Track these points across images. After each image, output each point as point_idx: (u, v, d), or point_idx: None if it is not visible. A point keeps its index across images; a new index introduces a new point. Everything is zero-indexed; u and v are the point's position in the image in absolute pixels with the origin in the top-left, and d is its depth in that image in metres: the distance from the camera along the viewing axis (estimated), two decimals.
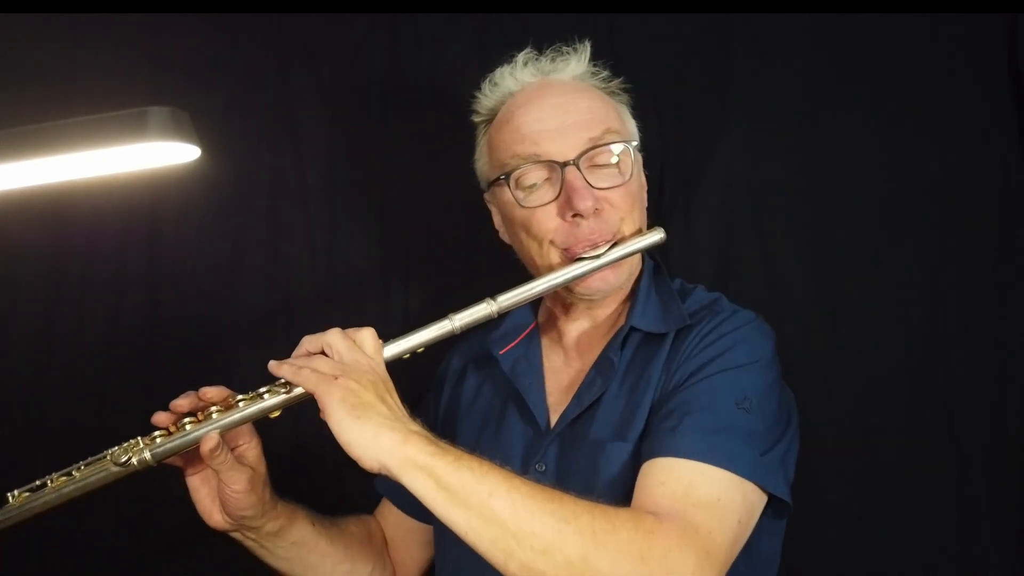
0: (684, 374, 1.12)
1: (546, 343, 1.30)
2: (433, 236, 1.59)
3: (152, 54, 1.69)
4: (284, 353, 1.13)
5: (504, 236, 1.30)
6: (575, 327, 1.27)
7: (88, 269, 1.68)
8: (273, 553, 1.21)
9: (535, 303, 1.31)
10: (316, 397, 0.99)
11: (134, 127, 0.99)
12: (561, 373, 1.26)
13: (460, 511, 0.92)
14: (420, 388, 1.42)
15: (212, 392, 1.09)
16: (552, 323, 1.30)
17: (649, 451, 1.06)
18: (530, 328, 1.31)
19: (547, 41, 1.38)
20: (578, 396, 1.20)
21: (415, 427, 0.99)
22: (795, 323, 1.39)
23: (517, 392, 1.24)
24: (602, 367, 1.19)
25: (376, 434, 0.95)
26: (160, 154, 1.07)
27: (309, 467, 1.50)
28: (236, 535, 1.18)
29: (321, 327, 1.23)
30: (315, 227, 1.66)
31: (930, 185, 1.36)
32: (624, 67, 1.52)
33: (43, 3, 1.58)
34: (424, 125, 1.57)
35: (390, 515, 1.37)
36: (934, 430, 1.33)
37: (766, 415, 1.09)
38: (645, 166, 1.51)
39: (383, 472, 0.95)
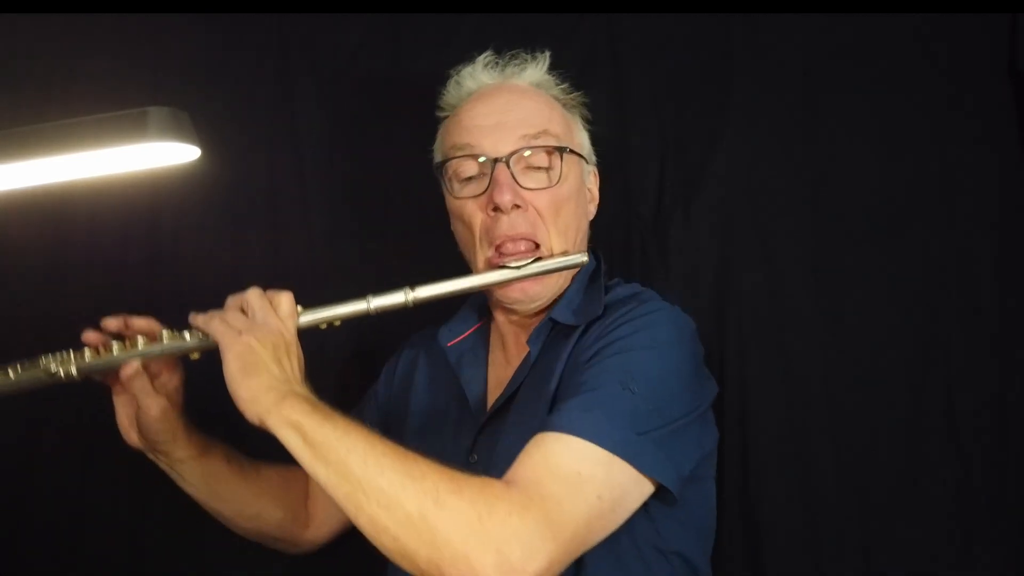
0: (585, 358, 1.14)
1: (494, 339, 1.34)
2: (433, 235, 1.59)
3: (152, 54, 1.68)
4: None
5: (453, 227, 1.33)
6: (512, 324, 1.30)
7: (88, 269, 1.68)
8: (183, 478, 1.28)
9: (485, 303, 1.35)
10: (219, 347, 1.08)
11: (134, 127, 0.99)
12: (502, 367, 1.30)
13: (321, 466, 0.99)
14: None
15: (140, 323, 1.20)
16: (496, 320, 1.34)
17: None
18: (478, 325, 1.35)
19: (546, 41, 1.37)
20: (506, 389, 1.23)
21: (300, 390, 1.06)
22: (795, 323, 1.39)
23: (460, 384, 1.29)
24: (525, 359, 1.23)
25: (260, 392, 1.03)
26: (160, 154, 1.07)
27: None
28: (150, 456, 1.27)
29: None
30: (315, 227, 1.66)
31: (930, 185, 1.36)
32: (624, 67, 1.53)
33: (43, 3, 1.58)
34: (424, 125, 1.57)
35: None
36: (934, 430, 1.32)
37: (655, 397, 1.08)
38: (645, 166, 1.50)
39: (262, 427, 1.02)
